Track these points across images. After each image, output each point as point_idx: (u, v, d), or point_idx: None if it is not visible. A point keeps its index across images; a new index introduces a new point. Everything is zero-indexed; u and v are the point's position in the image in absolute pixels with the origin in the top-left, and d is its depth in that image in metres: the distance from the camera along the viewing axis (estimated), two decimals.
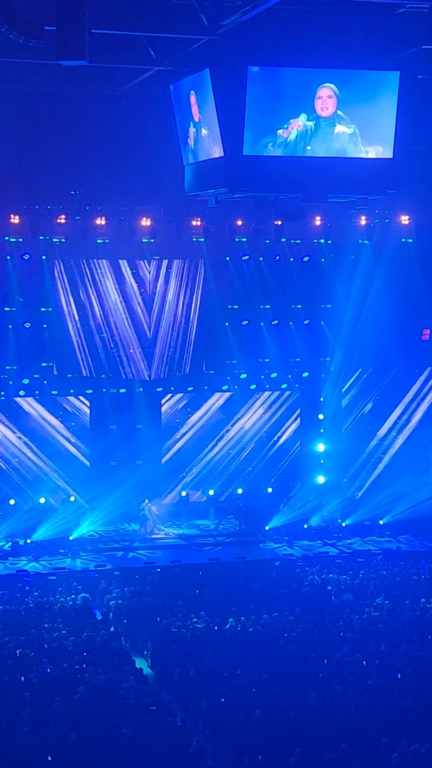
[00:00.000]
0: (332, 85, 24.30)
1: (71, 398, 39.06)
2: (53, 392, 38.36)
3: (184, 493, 40.33)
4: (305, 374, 40.77)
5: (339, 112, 24.58)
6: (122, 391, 39.02)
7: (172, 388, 40.19)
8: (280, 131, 24.45)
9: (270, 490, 40.38)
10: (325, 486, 40.06)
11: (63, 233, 35.55)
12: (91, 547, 35.81)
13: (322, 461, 40.78)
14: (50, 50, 18.91)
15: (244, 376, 40.29)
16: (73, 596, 29.69)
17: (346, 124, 24.78)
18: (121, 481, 37.75)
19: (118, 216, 35.91)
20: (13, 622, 27.14)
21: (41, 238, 35.58)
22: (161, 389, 39.80)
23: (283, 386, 40.98)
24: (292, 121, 24.44)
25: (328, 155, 25.18)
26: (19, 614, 28.07)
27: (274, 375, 40.54)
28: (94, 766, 19.36)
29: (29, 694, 22.43)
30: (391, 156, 25.77)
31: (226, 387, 40.51)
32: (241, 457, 41.23)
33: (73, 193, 34.74)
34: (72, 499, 38.16)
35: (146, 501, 37.59)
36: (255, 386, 40.72)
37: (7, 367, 37.46)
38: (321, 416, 41.05)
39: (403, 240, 38.81)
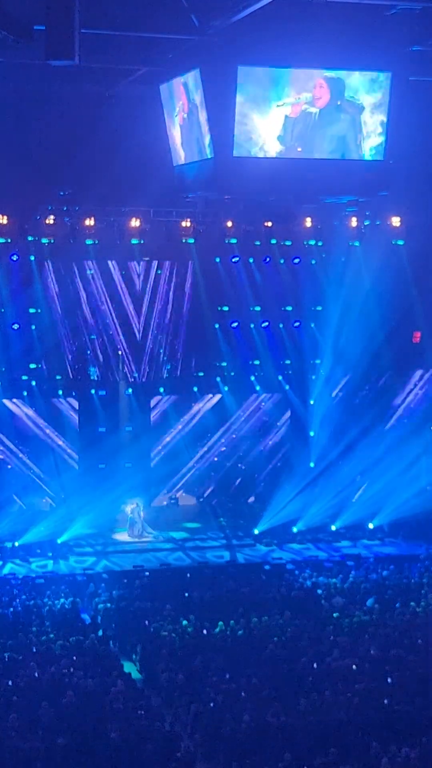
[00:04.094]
0: (327, 75, 24.17)
1: (60, 400, 38.90)
2: (41, 394, 38.18)
3: (173, 496, 40.23)
4: (295, 376, 40.69)
5: (331, 106, 24.46)
6: (111, 393, 38.89)
7: (162, 390, 40.09)
8: (271, 131, 24.35)
9: (251, 499, 40.34)
10: (315, 489, 39.94)
11: (52, 234, 35.35)
12: (80, 550, 35.63)
13: (312, 464, 40.69)
14: (40, 50, 18.77)
15: (233, 377, 40.21)
16: (61, 600, 29.53)
17: (336, 122, 24.70)
18: (109, 484, 37.62)
19: (107, 217, 35.75)
20: (1, 626, 26.98)
21: (30, 238, 35.40)
22: (150, 391, 39.68)
23: (273, 388, 40.88)
24: (281, 115, 24.34)
25: (319, 157, 25.11)
26: (7, 618, 27.91)
27: (263, 377, 40.45)
28: None
29: (17, 698, 22.30)
30: (382, 158, 25.73)
31: (216, 389, 40.41)
32: (231, 460, 41.13)
33: (62, 193, 34.58)
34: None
35: (134, 503, 37.41)
36: (245, 388, 40.61)
37: None
38: (311, 419, 40.97)
39: (394, 242, 38.70)
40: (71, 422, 39.18)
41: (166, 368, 39.92)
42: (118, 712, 21.79)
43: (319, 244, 39.01)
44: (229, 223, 36.96)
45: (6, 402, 38.01)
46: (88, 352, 38.64)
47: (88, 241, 35.80)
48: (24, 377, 37.70)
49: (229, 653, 25.39)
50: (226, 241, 37.72)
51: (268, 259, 39.00)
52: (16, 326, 36.99)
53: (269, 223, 36.50)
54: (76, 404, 38.99)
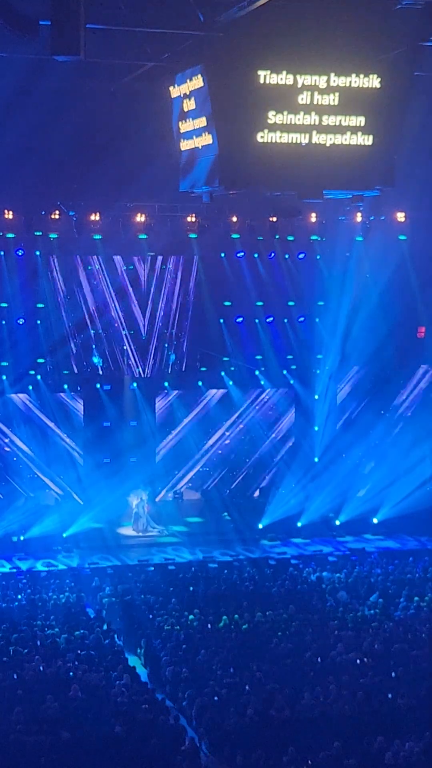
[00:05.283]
0: (329, 70, 24.11)
1: (64, 395, 38.95)
2: (47, 388, 38.24)
3: (178, 491, 40.27)
4: (300, 371, 40.71)
5: (330, 101, 24.35)
6: (116, 387, 38.94)
7: (167, 385, 40.13)
8: (275, 125, 24.31)
9: (257, 493, 40.35)
10: (319, 483, 39.97)
11: (57, 229, 35.36)
12: (85, 545, 35.68)
13: (316, 459, 40.73)
14: (45, 45, 18.78)
15: (238, 371, 40.26)
16: (66, 594, 29.59)
17: (336, 115, 24.61)
18: (114, 479, 37.68)
19: (112, 212, 35.76)
20: (6, 620, 27.05)
21: (35, 233, 35.43)
22: (155, 386, 39.73)
23: (278, 383, 40.92)
24: (286, 113, 24.30)
25: (322, 150, 25.03)
26: (12, 612, 27.98)
27: (268, 372, 40.48)
28: (87, 764, 19.30)
29: (22, 692, 22.36)
30: (385, 153, 25.65)
31: (221, 384, 40.45)
32: (236, 455, 41.15)
33: (67, 188, 34.57)
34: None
35: (139, 497, 37.43)
36: (250, 383, 40.66)
37: (0, 364, 37.35)
38: (316, 413, 41.01)
39: (398, 237, 38.71)
40: (76, 417, 39.24)
41: (171, 363, 39.97)
42: (123, 706, 21.85)
43: (324, 239, 39.06)
44: (234, 219, 37.00)
45: (12, 396, 38.08)
46: (93, 347, 38.70)
47: (94, 236, 35.83)
48: (30, 372, 37.75)
49: (233, 647, 25.44)
50: (231, 236, 37.78)
51: (272, 254, 39.04)
52: (21, 321, 37.07)
53: (274, 219, 36.51)
54: (80, 399, 39.04)
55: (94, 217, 35.25)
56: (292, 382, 40.96)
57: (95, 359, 38.76)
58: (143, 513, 37.45)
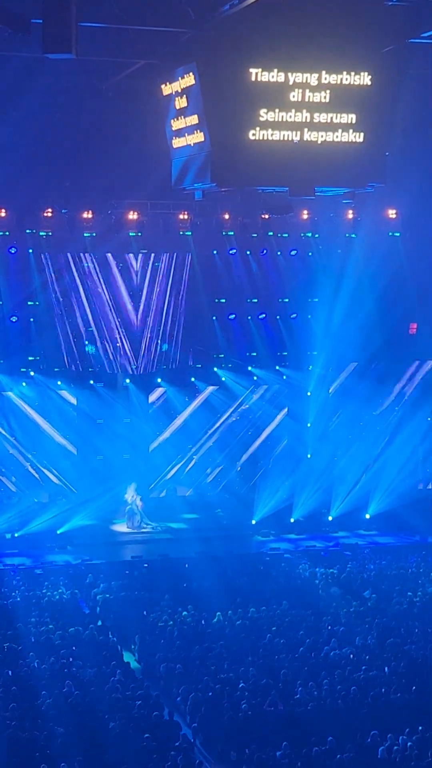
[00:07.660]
0: (318, 71, 24.19)
1: (58, 392, 38.97)
2: (40, 385, 38.26)
3: (172, 487, 40.32)
4: (292, 368, 40.77)
5: (323, 97, 24.40)
6: (109, 384, 38.98)
7: (159, 381, 40.17)
8: (267, 123, 24.38)
9: (249, 490, 40.36)
10: (312, 480, 40.07)
11: (50, 227, 35.43)
12: (79, 541, 35.73)
13: (309, 455, 40.81)
14: (37, 43, 18.82)
15: (231, 368, 40.32)
16: (60, 590, 29.65)
17: (333, 111, 24.68)
18: (108, 476, 37.71)
19: (105, 210, 35.83)
20: (0, 616, 27.09)
21: (28, 231, 35.46)
22: (148, 382, 39.78)
23: (271, 380, 40.98)
24: (278, 111, 24.38)
25: (314, 147, 25.11)
26: (6, 608, 28.03)
27: (260, 369, 40.55)
28: (81, 760, 19.34)
29: (16, 688, 22.40)
30: (376, 149, 25.73)
31: (214, 380, 40.50)
32: (229, 451, 41.20)
33: (60, 186, 34.61)
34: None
35: (132, 492, 37.49)
36: (242, 379, 40.71)
37: None
38: (308, 410, 41.06)
39: (390, 234, 38.77)
40: (70, 413, 39.25)
41: (164, 360, 40.02)
42: (117, 701, 21.88)
43: (316, 236, 39.13)
44: (227, 216, 37.07)
45: (5, 393, 38.10)
46: (86, 343, 38.74)
47: (86, 234, 35.87)
48: (22, 369, 37.76)
49: (227, 643, 25.50)
50: (224, 234, 37.85)
51: (265, 251, 39.11)
52: (14, 319, 37.10)
53: (266, 216, 36.59)
54: (74, 396, 39.06)
55: (87, 214, 35.31)
56: (285, 378, 41.02)
57: (88, 348, 38.75)
58: (137, 509, 37.52)
